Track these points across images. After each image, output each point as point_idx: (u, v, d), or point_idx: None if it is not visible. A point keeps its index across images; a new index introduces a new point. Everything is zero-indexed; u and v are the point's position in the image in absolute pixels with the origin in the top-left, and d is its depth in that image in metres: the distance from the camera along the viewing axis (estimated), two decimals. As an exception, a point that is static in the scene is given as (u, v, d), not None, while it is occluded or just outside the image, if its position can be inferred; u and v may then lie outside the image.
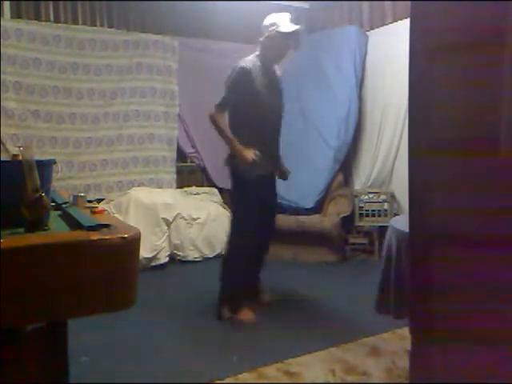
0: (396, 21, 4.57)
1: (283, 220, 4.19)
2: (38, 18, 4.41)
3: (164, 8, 5.02)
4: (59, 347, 1.58)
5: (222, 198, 5.01)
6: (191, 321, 3.06)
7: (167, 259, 4.39)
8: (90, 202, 2.00)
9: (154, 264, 4.26)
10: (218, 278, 3.10)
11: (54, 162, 1.61)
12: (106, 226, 1.33)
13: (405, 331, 2.40)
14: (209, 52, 5.22)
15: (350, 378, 2.26)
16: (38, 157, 1.39)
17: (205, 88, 4.87)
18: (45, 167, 1.49)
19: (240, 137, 2.94)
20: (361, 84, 4.88)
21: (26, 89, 4.33)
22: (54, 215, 1.65)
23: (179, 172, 5.26)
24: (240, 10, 5.15)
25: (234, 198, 3.21)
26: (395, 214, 4.31)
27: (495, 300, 1.31)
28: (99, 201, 4.39)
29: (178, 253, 4.46)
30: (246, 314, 3.03)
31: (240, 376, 2.29)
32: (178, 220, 4.43)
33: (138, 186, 4.91)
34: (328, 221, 4.46)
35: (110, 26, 4.80)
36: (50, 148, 4.46)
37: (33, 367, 1.52)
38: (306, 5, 5.61)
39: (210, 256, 4.53)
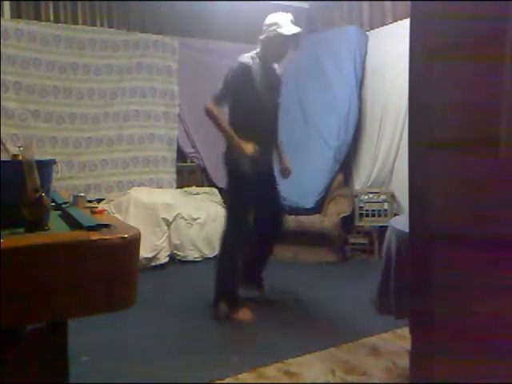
0: (396, 21, 4.57)
1: (283, 220, 4.19)
2: (38, 17, 4.41)
3: (164, 8, 5.02)
4: (59, 347, 1.58)
5: (222, 198, 5.00)
6: (191, 321, 3.06)
7: (167, 259, 4.39)
8: (90, 201, 2.00)
9: (153, 264, 4.26)
10: (214, 277, 3.09)
11: (54, 162, 1.61)
12: (106, 225, 1.33)
13: (405, 331, 2.40)
14: (209, 52, 5.21)
15: (349, 378, 2.26)
16: (38, 157, 1.39)
17: (205, 88, 4.83)
18: (45, 167, 1.49)
19: (237, 132, 2.92)
20: (361, 84, 4.88)
21: (26, 89, 4.33)
22: (54, 215, 1.65)
23: (179, 172, 5.26)
24: (240, 9, 5.15)
25: (229, 196, 3.19)
26: (395, 214, 4.31)
27: (495, 300, 1.31)
28: (99, 201, 4.39)
29: (178, 253, 4.46)
30: (244, 314, 3.03)
31: (240, 376, 2.29)
32: (177, 220, 4.43)
33: (138, 186, 4.92)
34: (328, 221, 4.47)
35: (110, 26, 4.80)
36: (50, 148, 4.46)
37: (33, 367, 1.52)
38: (306, 5, 5.61)
39: (210, 256, 4.53)
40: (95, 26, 4.71)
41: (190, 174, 5.38)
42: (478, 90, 1.31)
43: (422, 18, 1.42)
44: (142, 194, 4.46)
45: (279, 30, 2.87)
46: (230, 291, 3.08)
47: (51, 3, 4.48)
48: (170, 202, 4.47)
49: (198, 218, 4.54)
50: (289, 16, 2.93)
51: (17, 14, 4.32)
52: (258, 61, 2.96)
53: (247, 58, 2.94)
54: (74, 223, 1.45)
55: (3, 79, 4.18)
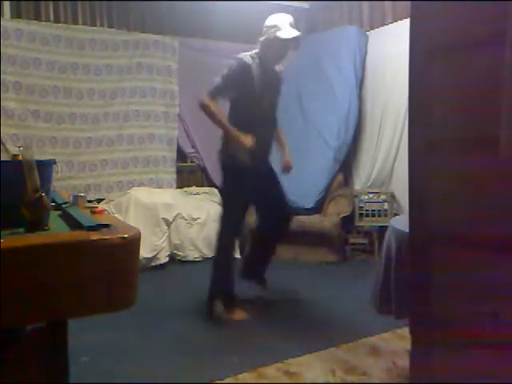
0: (396, 21, 4.57)
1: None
2: (38, 18, 4.41)
3: (164, 8, 5.02)
4: (59, 347, 1.58)
5: (222, 197, 5.01)
6: (191, 320, 3.06)
7: (167, 259, 4.39)
8: (90, 201, 2.00)
9: (153, 264, 4.26)
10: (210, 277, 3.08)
11: (54, 161, 1.61)
12: (106, 225, 1.33)
13: (405, 331, 2.40)
14: (209, 52, 5.21)
15: (349, 378, 2.26)
16: (37, 157, 1.39)
17: (205, 88, 4.86)
18: (45, 167, 1.49)
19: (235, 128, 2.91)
20: (361, 84, 4.88)
21: (26, 89, 4.33)
22: (54, 215, 1.65)
23: (179, 172, 5.26)
24: (240, 10, 5.15)
25: (224, 192, 3.16)
26: (395, 214, 4.31)
27: (495, 300, 1.31)
28: (99, 201, 4.39)
29: (178, 253, 4.46)
30: (239, 314, 3.02)
31: (240, 376, 2.29)
32: (177, 220, 4.43)
33: (138, 186, 4.92)
34: (328, 221, 4.47)
35: (110, 26, 4.80)
36: (50, 148, 4.46)
37: (33, 367, 1.52)
38: (306, 5, 5.61)
39: (210, 256, 4.49)
40: (95, 25, 4.71)
41: (190, 174, 5.38)
42: (478, 89, 1.31)
43: (422, 18, 1.42)
44: (142, 194, 4.46)
45: (278, 33, 2.88)
46: (225, 290, 3.06)
47: (51, 3, 4.48)
48: (170, 202, 4.47)
49: (198, 218, 4.54)
50: (288, 18, 2.93)
51: (17, 14, 4.32)
52: (257, 61, 2.96)
53: (246, 56, 2.95)
54: (73, 223, 1.45)
55: (3, 79, 4.18)
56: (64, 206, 1.80)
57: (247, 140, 2.85)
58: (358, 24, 5.07)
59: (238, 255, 3.93)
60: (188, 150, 5.29)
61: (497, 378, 1.30)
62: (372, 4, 4.97)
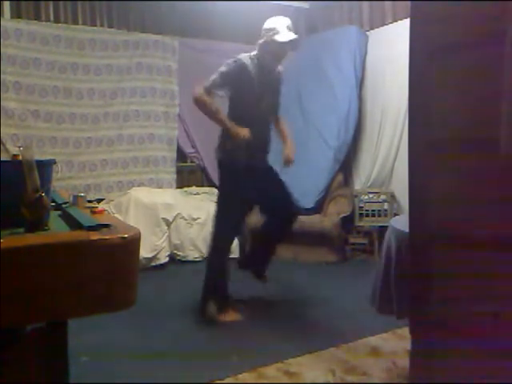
0: (396, 21, 4.57)
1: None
2: (38, 18, 4.41)
3: (164, 8, 5.02)
4: (59, 347, 1.58)
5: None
6: (191, 320, 3.06)
7: (167, 259, 4.39)
8: (90, 201, 1.99)
9: (153, 264, 4.26)
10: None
11: (54, 161, 1.61)
12: (106, 225, 1.33)
13: (405, 331, 2.39)
14: (209, 52, 5.21)
15: (349, 378, 2.26)
16: (37, 157, 1.38)
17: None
18: (45, 167, 1.49)
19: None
20: (361, 84, 4.88)
21: (26, 89, 4.33)
22: (54, 215, 1.65)
23: (179, 172, 5.26)
24: (240, 10, 5.15)
25: (220, 190, 3.13)
26: (395, 214, 4.31)
27: (495, 300, 1.31)
28: (99, 201, 4.39)
29: (178, 253, 4.47)
30: (231, 315, 3.02)
31: (240, 376, 2.29)
32: (177, 220, 4.43)
33: (138, 186, 4.92)
34: (328, 221, 4.47)
35: (110, 26, 4.80)
36: (50, 148, 4.47)
37: (33, 367, 1.52)
38: (306, 5, 5.61)
39: (210, 256, 4.53)
40: (95, 25, 4.71)
41: (190, 174, 5.39)
42: (478, 90, 1.31)
43: (422, 19, 1.43)
44: (142, 194, 4.46)
45: (275, 37, 2.88)
46: (219, 291, 3.06)
47: (51, 3, 4.48)
48: (170, 202, 4.47)
49: (198, 218, 4.54)
50: (286, 21, 2.93)
51: (17, 14, 4.32)
52: (255, 61, 2.97)
53: (244, 56, 2.96)
54: (74, 223, 1.45)
55: (3, 79, 4.18)
56: (64, 206, 1.80)
57: (243, 131, 2.83)
58: (358, 24, 5.07)
59: (235, 255, 3.92)
60: (188, 149, 5.29)
61: (497, 378, 1.30)
62: (372, 4, 4.97)
